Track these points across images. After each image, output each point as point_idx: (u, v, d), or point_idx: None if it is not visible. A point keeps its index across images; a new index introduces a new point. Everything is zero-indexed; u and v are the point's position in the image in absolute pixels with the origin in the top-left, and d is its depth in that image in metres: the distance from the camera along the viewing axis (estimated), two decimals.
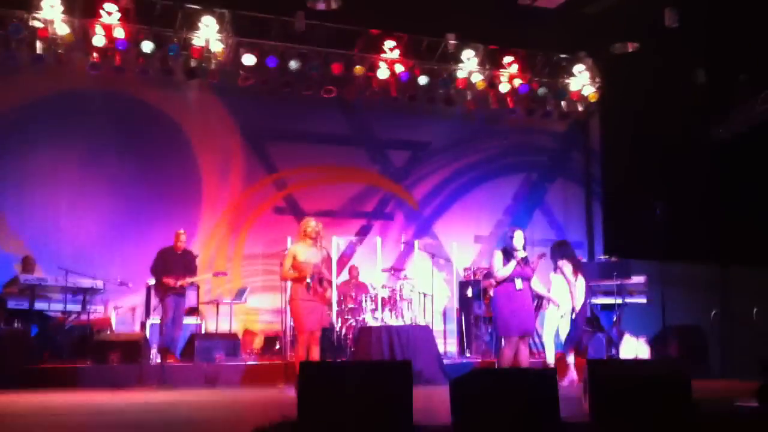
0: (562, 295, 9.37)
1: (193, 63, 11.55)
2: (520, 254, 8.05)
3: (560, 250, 9.46)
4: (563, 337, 9.44)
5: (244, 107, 12.58)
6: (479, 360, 10.70)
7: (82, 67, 11.25)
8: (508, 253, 8.09)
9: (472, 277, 11.97)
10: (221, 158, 12.59)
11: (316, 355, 7.85)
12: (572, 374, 9.22)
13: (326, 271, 8.19)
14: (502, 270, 8.05)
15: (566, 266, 9.34)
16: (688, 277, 12.80)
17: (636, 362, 8.20)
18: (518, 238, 8.12)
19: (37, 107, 11.49)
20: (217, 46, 11.51)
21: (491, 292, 8.51)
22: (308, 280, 7.80)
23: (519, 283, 7.98)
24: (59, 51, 10.97)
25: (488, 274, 9.56)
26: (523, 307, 8.02)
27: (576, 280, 9.36)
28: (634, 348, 10.63)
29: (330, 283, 9.85)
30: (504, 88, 13.09)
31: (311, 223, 8.02)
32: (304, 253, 7.89)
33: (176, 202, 12.10)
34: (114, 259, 11.22)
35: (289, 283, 8.45)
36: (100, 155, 11.73)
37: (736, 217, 13.22)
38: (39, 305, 9.77)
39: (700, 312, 12.19)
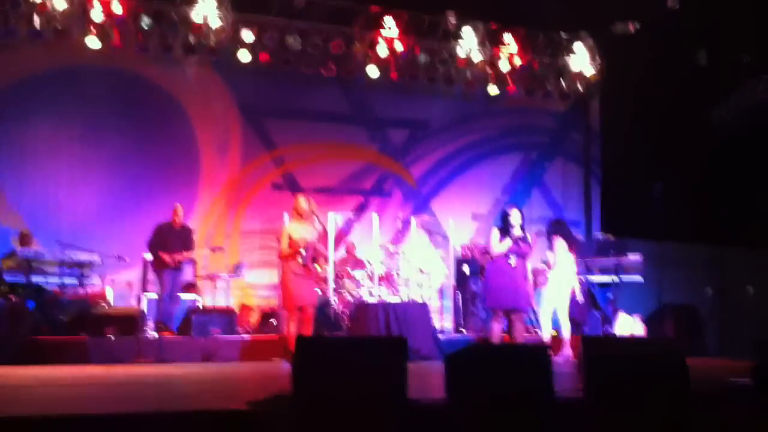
0: (559, 273, 9.40)
1: (192, 39, 11.49)
2: (516, 232, 8.07)
3: (555, 229, 9.48)
4: (560, 314, 9.47)
5: (243, 84, 12.54)
6: (475, 336, 10.74)
7: (81, 42, 11.20)
8: (504, 231, 8.12)
9: (469, 255, 11.99)
10: (220, 135, 12.57)
11: (308, 333, 7.91)
12: (567, 351, 9.27)
13: (322, 247, 8.24)
14: (498, 246, 8.08)
15: (560, 242, 9.36)
16: (684, 257, 12.84)
17: (631, 340, 8.24)
18: (515, 216, 8.15)
19: (35, 82, 11.45)
20: (216, 22, 11.46)
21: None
22: (301, 256, 7.86)
23: (513, 260, 8.01)
24: (58, 26, 10.91)
25: (486, 252, 9.59)
26: (514, 282, 8.05)
27: (568, 258, 9.40)
28: (629, 326, 10.68)
29: (326, 259, 9.90)
30: (504, 67, 13.05)
31: (302, 202, 8.08)
32: (298, 231, 7.98)
33: (174, 177, 12.08)
34: (112, 234, 11.21)
35: None
36: (99, 130, 11.70)
37: (733, 198, 13.24)
38: (36, 279, 9.78)
39: (695, 291, 12.24)
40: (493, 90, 13.22)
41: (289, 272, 7.99)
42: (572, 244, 9.57)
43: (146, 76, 12.10)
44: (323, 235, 8.23)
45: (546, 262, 9.71)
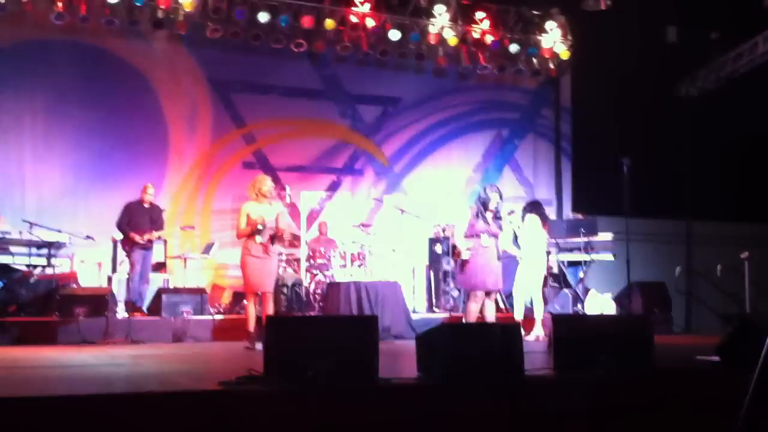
0: (532, 251, 9.44)
1: (160, 13, 11.31)
2: (492, 212, 8.05)
3: (531, 208, 9.48)
4: (533, 293, 9.52)
5: (212, 60, 12.38)
6: (447, 315, 10.78)
7: (46, 16, 10.98)
8: (479, 213, 8.10)
9: (441, 234, 12.01)
10: (189, 111, 12.42)
11: (269, 312, 7.91)
12: (539, 329, 9.34)
13: (285, 226, 8.20)
14: (463, 239, 8.11)
15: (533, 220, 9.39)
16: (654, 234, 12.99)
17: (600, 318, 8.31)
18: (494, 199, 8.09)
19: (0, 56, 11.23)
20: None
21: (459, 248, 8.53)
22: (260, 238, 7.81)
23: (485, 240, 8.01)
24: None
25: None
26: (489, 263, 8.05)
27: (540, 237, 9.44)
28: (599, 304, 10.78)
29: (290, 239, 9.84)
30: (476, 44, 13.03)
31: (268, 183, 8.02)
32: (257, 210, 7.91)
33: (143, 154, 11.93)
34: (79, 213, 11.08)
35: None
36: (65, 106, 11.49)
37: (702, 174, 13.39)
38: (3, 259, 9.65)
39: (665, 268, 12.38)
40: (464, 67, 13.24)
41: (247, 254, 7.94)
42: (545, 223, 9.61)
43: (113, 50, 11.88)
44: (282, 215, 8.13)
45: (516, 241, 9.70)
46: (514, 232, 9.46)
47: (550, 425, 5.01)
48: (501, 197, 8.18)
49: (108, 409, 4.32)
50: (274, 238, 7.99)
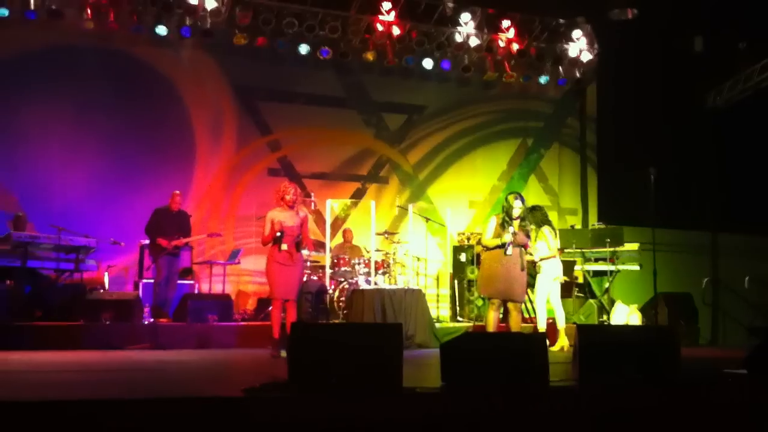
0: (551, 261, 9.38)
1: (187, 21, 11.43)
2: (513, 228, 8.00)
3: (536, 216, 9.36)
4: (554, 302, 9.46)
5: (238, 67, 12.47)
6: (471, 324, 10.75)
7: (75, 23, 11.13)
8: (504, 222, 8.06)
9: (466, 242, 11.98)
10: (215, 118, 12.51)
11: (292, 319, 7.92)
12: (563, 340, 9.27)
13: (312, 233, 8.23)
14: (489, 241, 8.07)
15: (550, 231, 9.34)
16: (681, 245, 12.87)
17: (625, 328, 8.23)
18: (517, 208, 8.06)
19: (29, 62, 11.36)
20: (211, 4, 11.41)
21: (483, 256, 8.51)
22: (284, 246, 7.84)
23: (510, 249, 7.97)
24: (53, 6, 10.85)
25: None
26: (509, 272, 7.99)
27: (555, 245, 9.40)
28: (625, 315, 10.69)
29: (314, 245, 9.87)
30: (501, 52, 13.02)
31: (291, 190, 8.05)
32: (280, 217, 7.94)
33: (169, 161, 12.03)
34: (106, 218, 11.16)
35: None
36: (93, 112, 11.61)
37: (729, 185, 13.25)
38: (31, 263, 9.73)
39: (691, 280, 12.27)
40: (489, 75, 13.25)
41: (272, 262, 7.96)
42: (554, 228, 9.56)
43: (140, 57, 12.01)
44: (305, 221, 8.14)
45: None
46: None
47: None
48: (523, 204, 8.15)
49: (132, 413, 4.36)
50: (299, 245, 8.01)
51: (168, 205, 10.29)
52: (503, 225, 8.04)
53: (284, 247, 7.90)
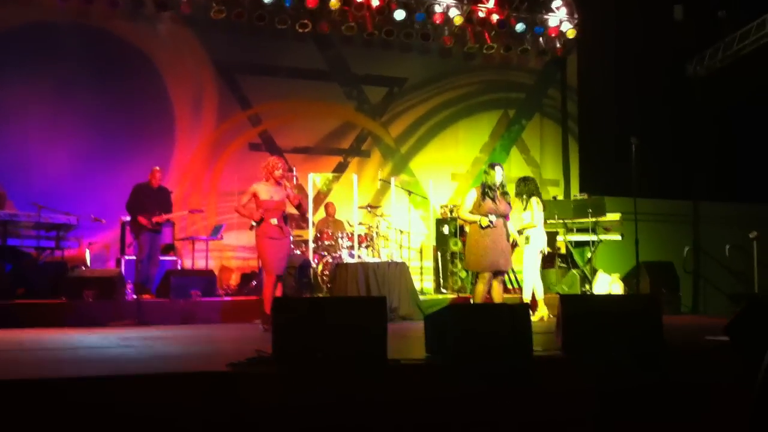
0: (537, 232, 9.40)
1: None
2: (496, 191, 8.01)
3: (529, 186, 9.37)
4: (537, 274, 9.50)
5: (217, 41, 12.34)
6: (455, 296, 10.79)
7: None
8: (484, 192, 8.06)
9: (449, 215, 12.00)
10: (194, 93, 12.39)
11: (279, 294, 7.93)
12: (543, 310, 9.32)
13: (298, 204, 8.22)
14: (466, 215, 8.06)
15: (536, 201, 9.34)
16: (662, 214, 12.95)
17: (608, 298, 8.29)
18: (493, 175, 8.06)
19: (5, 39, 11.18)
20: None
21: (467, 229, 8.52)
22: (273, 219, 7.86)
23: (493, 220, 7.97)
24: None
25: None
26: (496, 244, 8.00)
27: (541, 217, 9.41)
28: (607, 284, 10.76)
29: (299, 220, 9.87)
30: (481, 23, 12.96)
31: (280, 166, 8.03)
32: (266, 191, 7.91)
33: (149, 136, 11.91)
34: (86, 195, 11.05)
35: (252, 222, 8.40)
36: (71, 88, 11.44)
37: (710, 153, 13.32)
38: (11, 242, 9.65)
39: (672, 248, 12.36)
40: (470, 47, 13.19)
41: (264, 237, 7.93)
42: (542, 201, 9.57)
43: (118, 32, 11.85)
44: (290, 196, 8.13)
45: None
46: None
47: (559, 405, 5.02)
48: (503, 176, 8.14)
49: (117, 390, 4.35)
50: (287, 218, 8.03)
51: (148, 181, 10.20)
52: (484, 195, 8.04)
53: (274, 221, 7.90)
